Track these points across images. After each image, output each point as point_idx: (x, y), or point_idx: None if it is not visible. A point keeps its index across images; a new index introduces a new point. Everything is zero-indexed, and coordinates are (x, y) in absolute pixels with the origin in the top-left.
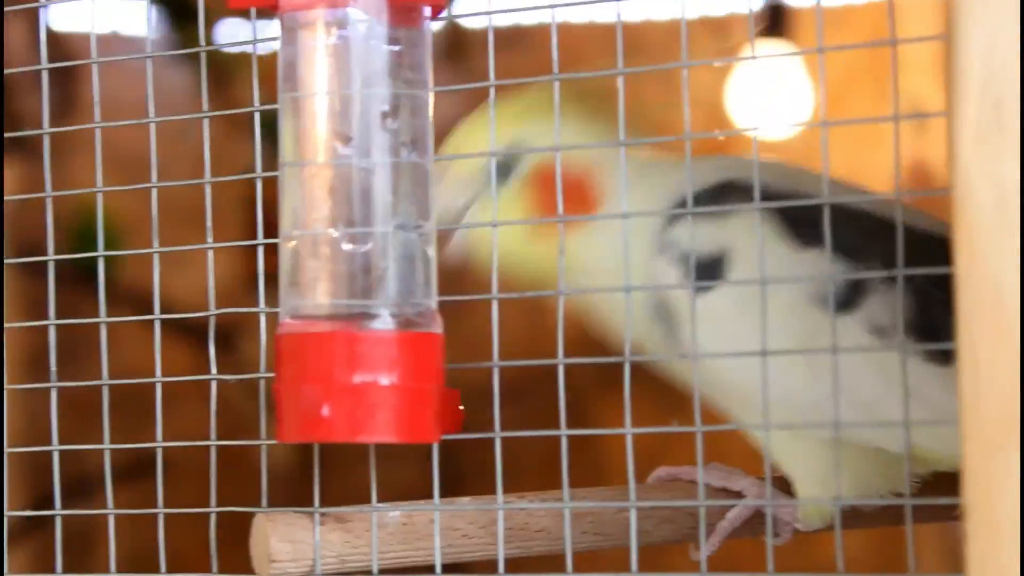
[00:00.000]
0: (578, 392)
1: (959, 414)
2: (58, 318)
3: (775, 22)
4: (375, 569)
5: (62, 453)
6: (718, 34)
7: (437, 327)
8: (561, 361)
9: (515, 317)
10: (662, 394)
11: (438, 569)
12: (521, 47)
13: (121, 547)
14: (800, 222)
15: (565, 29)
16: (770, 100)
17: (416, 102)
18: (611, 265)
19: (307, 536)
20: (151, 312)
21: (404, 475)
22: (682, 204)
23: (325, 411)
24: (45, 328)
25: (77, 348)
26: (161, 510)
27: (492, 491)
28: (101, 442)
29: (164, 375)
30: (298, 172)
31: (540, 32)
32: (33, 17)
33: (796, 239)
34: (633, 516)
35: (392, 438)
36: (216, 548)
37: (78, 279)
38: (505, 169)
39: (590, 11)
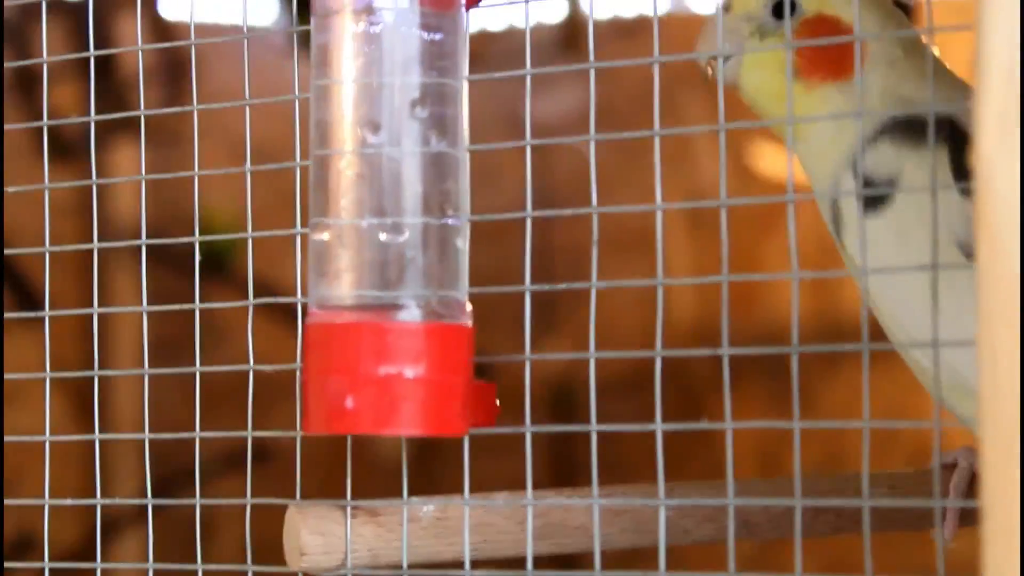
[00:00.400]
0: (697, 383)
1: (978, 414)
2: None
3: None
4: (405, 564)
5: (177, 440)
6: None
7: (466, 319)
8: (659, 353)
9: (634, 307)
10: (775, 391)
11: (467, 565)
12: (643, 37)
13: (237, 535)
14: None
15: (692, 19)
16: None
17: (447, 91)
18: (825, 138)
19: (339, 529)
20: (276, 305)
21: (513, 466)
22: (891, 123)
23: (349, 403)
24: (168, 316)
25: (202, 335)
26: (198, 500)
27: (606, 484)
28: (218, 429)
29: (277, 363)
30: (327, 161)
31: (665, 22)
32: (147, 7)
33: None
34: (662, 514)
35: (418, 431)
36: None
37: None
38: (780, 13)
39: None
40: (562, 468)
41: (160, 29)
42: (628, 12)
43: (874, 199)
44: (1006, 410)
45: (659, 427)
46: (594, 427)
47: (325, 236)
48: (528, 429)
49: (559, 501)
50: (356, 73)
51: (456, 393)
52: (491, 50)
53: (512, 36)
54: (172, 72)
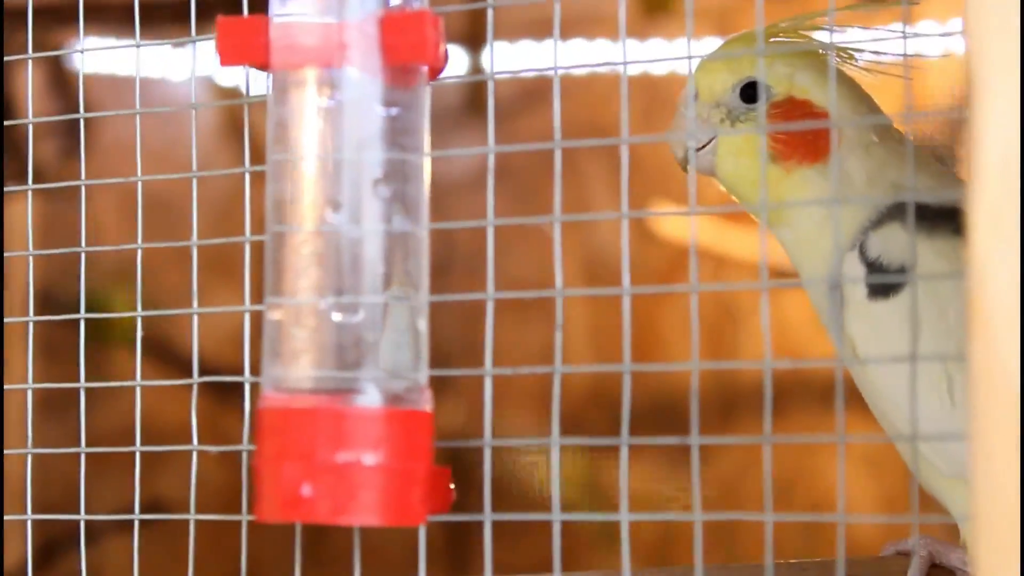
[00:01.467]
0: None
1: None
2: (75, 362)
3: None
4: None
5: (69, 497)
6: None
7: (426, 404)
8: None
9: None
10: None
11: None
12: (545, 98)
13: None
14: None
15: (592, 81)
16: None
17: (410, 168)
18: (813, 222)
19: None
20: (169, 358)
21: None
22: (895, 209)
23: (306, 491)
24: (58, 372)
25: (96, 392)
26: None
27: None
28: (111, 486)
29: (177, 422)
30: (283, 238)
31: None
32: (50, 60)
33: None
34: None
35: (376, 521)
36: None
37: (93, 324)
38: (749, 97)
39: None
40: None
41: (62, 81)
42: (530, 73)
43: (884, 286)
44: (1002, 509)
45: (698, 517)
46: (557, 517)
47: (280, 316)
48: (488, 517)
49: None
50: (316, 149)
51: (416, 480)
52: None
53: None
54: (69, 124)
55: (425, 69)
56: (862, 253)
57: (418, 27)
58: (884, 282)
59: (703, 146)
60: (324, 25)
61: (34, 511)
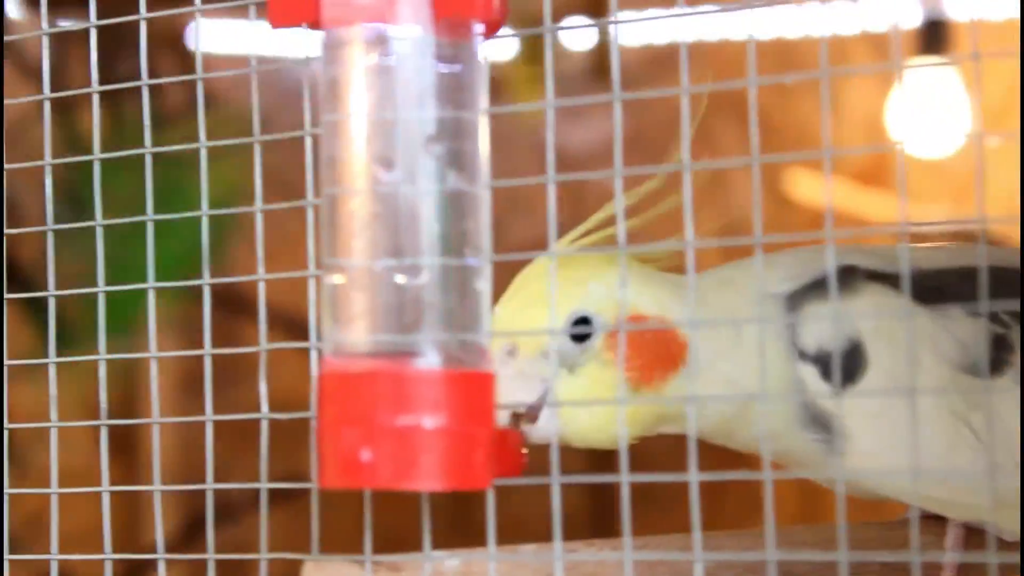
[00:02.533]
0: None
1: None
2: (214, 341)
3: (935, 39)
4: None
5: (214, 475)
6: (878, 49)
7: (487, 365)
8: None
9: None
10: None
11: None
12: (672, 65)
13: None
14: (926, 290)
15: (725, 46)
16: (927, 117)
17: (465, 125)
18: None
19: None
20: (302, 333)
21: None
22: (801, 292)
23: (365, 456)
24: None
25: (236, 371)
26: (211, 555)
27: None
28: (252, 462)
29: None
30: (339, 200)
31: (697, 49)
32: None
33: (928, 306)
34: (699, 570)
35: (438, 485)
36: None
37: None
38: (579, 338)
39: (750, 27)
40: (604, 510)
41: (188, 62)
42: (659, 40)
43: (848, 371)
44: None
45: (694, 477)
46: (625, 477)
47: (338, 279)
48: (556, 480)
49: (589, 556)
50: (368, 108)
51: (478, 444)
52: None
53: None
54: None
55: (480, 25)
56: (803, 355)
57: None
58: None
59: (534, 411)
60: None
61: (178, 493)
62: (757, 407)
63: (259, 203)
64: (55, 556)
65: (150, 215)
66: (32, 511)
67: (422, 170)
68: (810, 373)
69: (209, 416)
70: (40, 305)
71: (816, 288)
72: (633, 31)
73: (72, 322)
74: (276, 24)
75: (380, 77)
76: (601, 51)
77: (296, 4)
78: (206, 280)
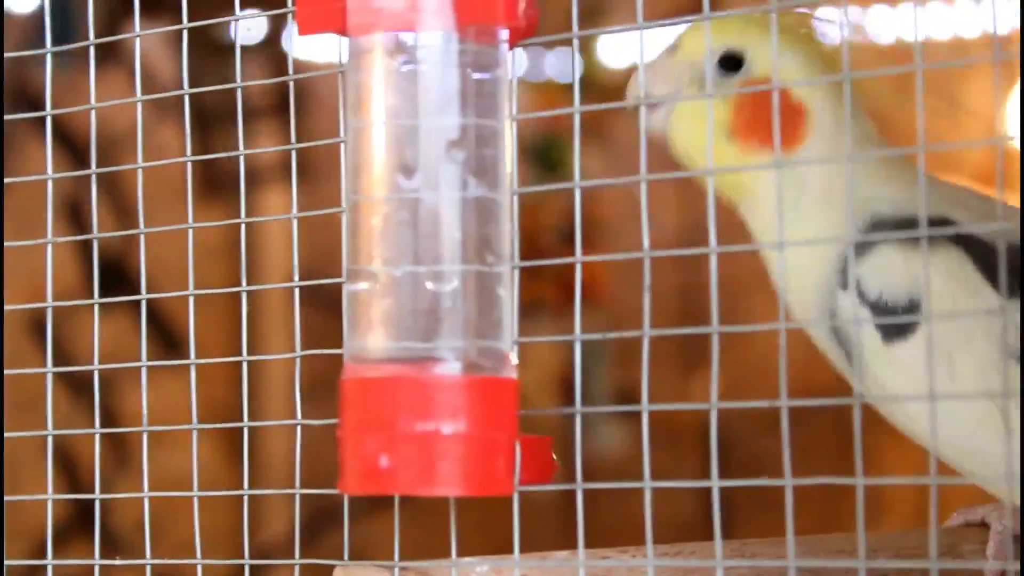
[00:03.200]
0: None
1: None
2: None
3: None
4: None
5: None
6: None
7: (510, 371)
8: (714, 406)
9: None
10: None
11: None
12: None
13: None
14: (995, 266)
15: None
16: None
17: (487, 131)
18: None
19: None
20: None
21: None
22: (874, 226)
23: (384, 461)
24: (322, 358)
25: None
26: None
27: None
28: None
29: None
30: (360, 205)
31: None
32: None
33: (996, 284)
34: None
35: (458, 491)
36: None
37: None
38: (726, 70)
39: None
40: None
41: (281, 67)
42: None
43: (899, 326)
44: None
45: (715, 484)
46: (648, 484)
47: (359, 285)
48: (579, 486)
49: (614, 562)
50: (390, 114)
51: (500, 450)
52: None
53: None
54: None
55: (505, 32)
56: (861, 295)
57: None
58: (897, 322)
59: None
60: None
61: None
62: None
63: (293, 209)
64: (149, 561)
65: (190, 223)
66: (150, 514)
67: (443, 176)
68: (860, 310)
69: (299, 420)
70: (153, 312)
71: (904, 228)
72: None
73: (183, 327)
74: (304, 31)
75: (403, 83)
76: None
77: (323, 12)
78: (294, 283)
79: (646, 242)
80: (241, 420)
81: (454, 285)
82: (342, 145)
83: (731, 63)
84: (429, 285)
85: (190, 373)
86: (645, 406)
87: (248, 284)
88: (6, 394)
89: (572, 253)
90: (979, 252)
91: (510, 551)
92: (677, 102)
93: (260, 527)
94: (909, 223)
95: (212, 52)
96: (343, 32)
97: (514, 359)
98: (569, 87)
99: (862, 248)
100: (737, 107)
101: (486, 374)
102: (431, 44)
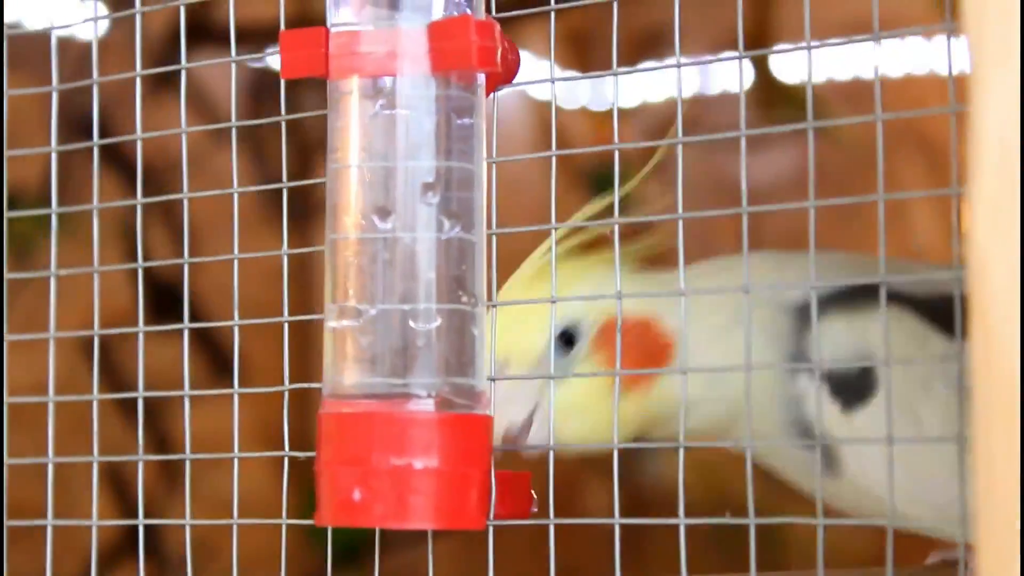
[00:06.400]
0: None
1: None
2: None
3: None
4: None
5: None
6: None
7: (483, 408)
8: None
9: None
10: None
11: None
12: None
13: None
14: (940, 314)
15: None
16: None
17: (463, 174)
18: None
19: None
20: None
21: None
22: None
23: (356, 495)
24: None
25: None
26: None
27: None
28: None
29: None
30: (338, 245)
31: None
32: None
33: (946, 332)
34: None
35: (429, 524)
36: None
37: None
38: (567, 341)
39: (925, 63)
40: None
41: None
42: (844, 75)
43: (856, 392)
44: (1002, 509)
45: (682, 521)
46: (617, 520)
47: (335, 323)
48: (552, 521)
49: None
50: (366, 156)
51: (472, 484)
52: (706, 115)
53: (724, 101)
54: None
55: (481, 76)
56: (811, 373)
57: (463, 33)
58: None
59: (525, 427)
60: (377, 33)
61: None
62: (744, 411)
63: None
64: None
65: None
66: (199, 537)
67: (419, 218)
68: (816, 389)
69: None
70: (209, 336)
71: (836, 302)
72: (796, 67)
73: (244, 351)
74: (287, 75)
75: (379, 127)
76: (763, 91)
77: (307, 56)
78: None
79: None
80: (301, 441)
81: (428, 324)
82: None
83: (568, 338)
84: (404, 323)
85: (235, 398)
86: (615, 443)
87: (305, 308)
88: (60, 417)
89: None
90: (920, 305)
91: None
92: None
93: (304, 551)
94: (834, 296)
95: (274, 80)
96: (325, 75)
97: (490, 396)
98: (632, 113)
99: (800, 336)
100: (602, 363)
101: (459, 411)
102: (409, 89)
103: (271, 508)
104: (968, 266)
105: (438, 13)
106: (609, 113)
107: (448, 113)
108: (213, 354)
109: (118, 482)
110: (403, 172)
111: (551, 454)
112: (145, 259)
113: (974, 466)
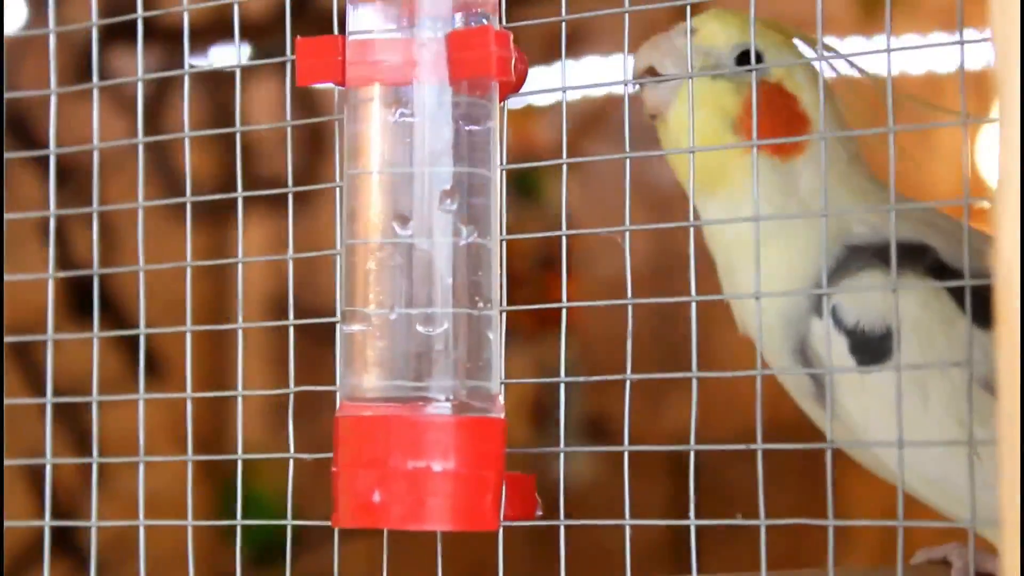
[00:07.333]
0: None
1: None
2: (311, 370)
3: None
4: None
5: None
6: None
7: (498, 411)
8: (693, 447)
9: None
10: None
11: None
12: None
13: None
14: (974, 296)
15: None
16: None
17: (479, 181)
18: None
19: None
20: None
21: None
22: (851, 250)
23: (376, 497)
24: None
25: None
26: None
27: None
28: None
29: None
30: (356, 251)
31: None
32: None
33: (974, 315)
34: None
35: (447, 526)
36: None
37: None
38: (741, 64)
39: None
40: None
41: (300, 95)
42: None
43: (873, 352)
44: None
45: (692, 523)
46: (628, 521)
47: (353, 327)
48: (562, 523)
49: None
50: (385, 163)
51: (487, 487)
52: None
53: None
54: (310, 139)
55: (495, 84)
56: (838, 322)
57: (482, 42)
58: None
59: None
60: (394, 42)
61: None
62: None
63: (291, 251)
64: None
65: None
66: (117, 534)
67: (437, 224)
68: (833, 338)
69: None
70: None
71: (882, 256)
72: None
73: (162, 350)
74: (302, 81)
75: (398, 134)
76: None
77: (323, 64)
78: (289, 321)
79: (629, 292)
80: (213, 435)
81: (445, 328)
82: (337, 190)
83: (747, 60)
84: (421, 328)
85: (141, 403)
86: (627, 447)
87: (219, 303)
88: None
89: (548, 278)
90: (957, 289)
91: None
92: (686, 82)
93: (221, 549)
94: (887, 248)
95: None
96: (341, 83)
97: (502, 399)
98: (545, 111)
99: (840, 274)
100: (748, 103)
101: (475, 414)
102: (428, 97)
103: (192, 508)
104: (996, 275)
105: (457, 23)
106: (527, 111)
107: (465, 121)
108: (133, 351)
109: (39, 480)
110: (422, 179)
111: (561, 456)
112: (67, 256)
113: (998, 469)
